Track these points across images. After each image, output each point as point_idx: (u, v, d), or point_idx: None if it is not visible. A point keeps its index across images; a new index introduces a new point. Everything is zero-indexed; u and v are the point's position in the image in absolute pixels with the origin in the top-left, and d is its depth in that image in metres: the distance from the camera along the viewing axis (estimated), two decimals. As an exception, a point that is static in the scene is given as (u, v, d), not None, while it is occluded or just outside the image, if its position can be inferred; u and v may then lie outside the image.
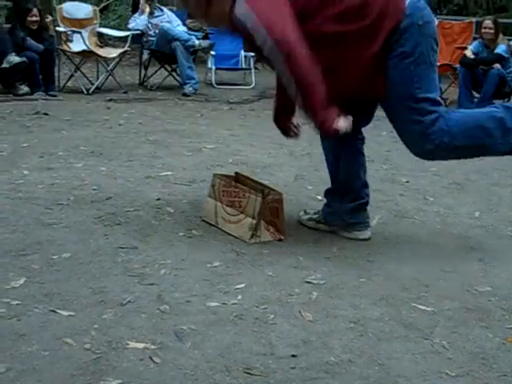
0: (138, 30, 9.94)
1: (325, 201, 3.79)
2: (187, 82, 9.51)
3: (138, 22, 9.98)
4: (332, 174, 3.76)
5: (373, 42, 3.20)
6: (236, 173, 3.85)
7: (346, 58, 3.23)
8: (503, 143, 3.46)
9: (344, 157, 3.67)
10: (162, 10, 10.28)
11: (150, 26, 9.94)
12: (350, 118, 3.19)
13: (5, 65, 8.37)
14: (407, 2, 3.22)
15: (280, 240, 3.50)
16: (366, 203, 3.70)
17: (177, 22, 10.17)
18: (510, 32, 13.04)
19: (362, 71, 3.27)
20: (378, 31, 3.19)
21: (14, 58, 8.43)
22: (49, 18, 9.14)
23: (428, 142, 3.36)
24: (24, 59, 8.52)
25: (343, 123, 3.14)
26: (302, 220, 3.79)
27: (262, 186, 3.66)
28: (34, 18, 8.98)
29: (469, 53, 8.81)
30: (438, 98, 3.44)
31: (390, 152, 5.92)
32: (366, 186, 3.71)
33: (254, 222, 3.44)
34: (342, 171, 3.67)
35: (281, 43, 3.04)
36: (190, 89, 9.46)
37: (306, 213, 3.80)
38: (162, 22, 9.91)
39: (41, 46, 8.77)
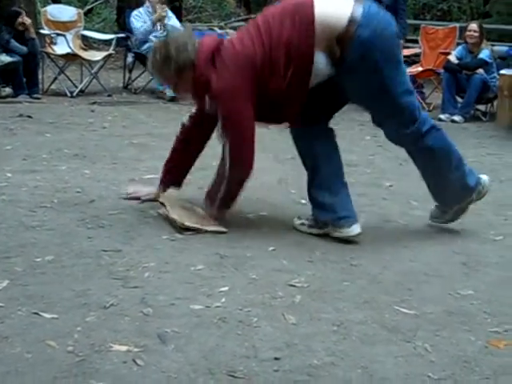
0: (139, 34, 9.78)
1: (309, 204, 3.79)
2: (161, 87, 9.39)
3: (142, 30, 9.78)
4: (310, 174, 3.82)
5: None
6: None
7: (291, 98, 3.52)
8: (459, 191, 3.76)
9: (323, 155, 3.75)
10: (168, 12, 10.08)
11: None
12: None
13: None
14: (360, 13, 3.34)
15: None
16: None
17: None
18: (493, 37, 13.12)
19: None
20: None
21: (6, 58, 8.39)
22: (28, 21, 9.07)
23: (406, 127, 3.57)
24: (15, 59, 8.48)
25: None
26: (295, 225, 3.79)
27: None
28: (20, 21, 8.94)
29: (452, 58, 8.86)
30: (411, 90, 3.72)
31: (373, 156, 5.94)
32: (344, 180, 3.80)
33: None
34: (324, 169, 3.73)
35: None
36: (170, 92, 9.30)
37: (299, 218, 3.81)
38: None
39: (24, 49, 8.74)
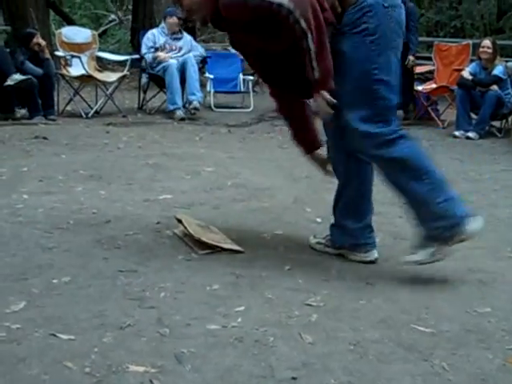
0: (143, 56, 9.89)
1: (332, 220, 3.77)
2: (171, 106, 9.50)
3: (149, 57, 9.87)
4: (340, 188, 3.71)
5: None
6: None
7: None
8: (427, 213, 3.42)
9: (356, 173, 3.62)
10: (181, 33, 10.18)
11: (163, 45, 9.86)
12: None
13: (9, 82, 8.31)
14: None
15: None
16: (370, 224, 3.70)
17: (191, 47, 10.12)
18: (507, 53, 13.12)
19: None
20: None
21: (20, 76, 8.43)
22: (43, 42, 9.14)
23: (374, 124, 3.35)
24: (30, 76, 8.52)
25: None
26: (310, 244, 3.77)
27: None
28: (36, 41, 9.02)
29: (466, 74, 8.85)
30: (393, 85, 3.44)
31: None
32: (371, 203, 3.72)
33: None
34: (353, 189, 3.64)
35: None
36: (179, 112, 9.41)
37: (314, 237, 3.80)
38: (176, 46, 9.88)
39: (39, 70, 8.78)
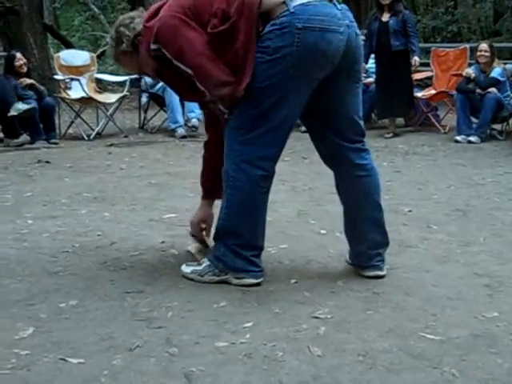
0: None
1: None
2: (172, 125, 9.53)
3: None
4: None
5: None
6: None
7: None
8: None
9: (349, 189, 3.54)
10: None
11: None
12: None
13: (13, 113, 8.32)
14: (296, 3, 3.09)
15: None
16: (386, 244, 3.58)
17: None
18: (505, 56, 13.14)
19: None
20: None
21: (23, 106, 8.45)
22: (28, 81, 9.11)
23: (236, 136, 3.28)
24: (33, 105, 8.55)
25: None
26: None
27: None
28: (20, 62, 9.02)
29: (469, 72, 8.81)
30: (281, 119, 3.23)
31: (391, 182, 5.93)
32: (380, 224, 3.55)
33: None
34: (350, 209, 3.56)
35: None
36: (180, 130, 9.42)
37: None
38: None
39: (31, 93, 8.80)
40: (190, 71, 3.20)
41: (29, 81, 9.00)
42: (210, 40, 3.17)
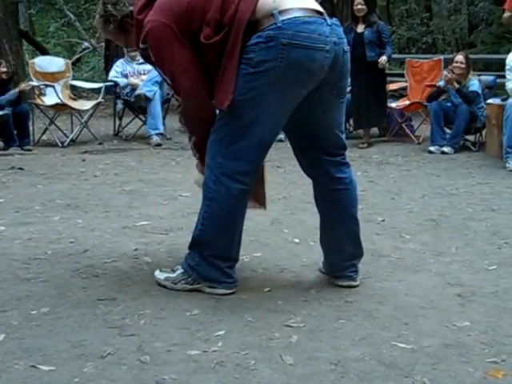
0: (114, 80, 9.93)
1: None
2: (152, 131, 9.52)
3: (125, 81, 9.90)
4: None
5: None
6: None
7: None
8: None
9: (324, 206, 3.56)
10: None
11: (131, 72, 9.91)
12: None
13: None
14: (284, 18, 3.05)
15: (261, 209, 3.62)
16: (361, 256, 3.60)
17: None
18: (479, 68, 13.25)
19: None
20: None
21: None
22: (28, 86, 9.15)
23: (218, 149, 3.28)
24: (6, 112, 8.51)
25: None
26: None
27: None
28: (3, 69, 9.03)
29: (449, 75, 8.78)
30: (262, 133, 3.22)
31: (365, 192, 5.95)
32: (356, 237, 3.57)
33: None
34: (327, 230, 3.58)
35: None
36: (156, 138, 9.39)
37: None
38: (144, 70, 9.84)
39: (3, 99, 8.77)
40: (169, 81, 3.28)
41: (25, 86, 9.03)
42: (204, 50, 3.15)
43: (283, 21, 3.06)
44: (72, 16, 20.75)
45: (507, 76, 7.70)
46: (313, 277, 3.66)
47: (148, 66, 9.82)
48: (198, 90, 3.22)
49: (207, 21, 3.13)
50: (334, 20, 3.23)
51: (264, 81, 3.09)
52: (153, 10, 3.20)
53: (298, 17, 3.09)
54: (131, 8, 3.38)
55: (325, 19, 3.17)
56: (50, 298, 3.29)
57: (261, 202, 3.57)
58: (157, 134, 9.40)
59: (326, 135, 3.37)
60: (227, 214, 3.31)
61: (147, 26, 3.17)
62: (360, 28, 8.92)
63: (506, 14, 7.27)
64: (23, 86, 9.12)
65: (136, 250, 4.10)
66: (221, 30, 3.11)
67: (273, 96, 3.12)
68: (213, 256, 3.34)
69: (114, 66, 10.10)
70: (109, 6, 3.44)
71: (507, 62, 7.72)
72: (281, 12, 3.08)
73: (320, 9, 3.22)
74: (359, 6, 8.88)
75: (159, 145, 9.19)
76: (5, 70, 9.16)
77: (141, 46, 3.26)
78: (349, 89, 9.37)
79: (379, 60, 8.86)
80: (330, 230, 3.55)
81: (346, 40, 3.28)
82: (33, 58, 12.88)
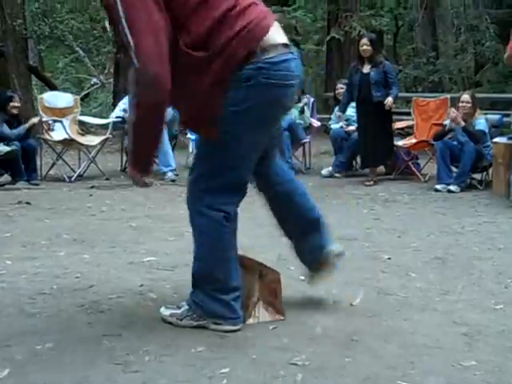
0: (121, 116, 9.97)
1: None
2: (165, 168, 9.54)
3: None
4: None
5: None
6: None
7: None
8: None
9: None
10: None
11: None
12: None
13: None
14: (265, 56, 3.10)
15: (281, 320, 3.52)
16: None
17: None
18: (485, 106, 13.28)
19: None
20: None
21: (4, 147, 8.47)
22: (38, 121, 9.27)
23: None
24: (15, 147, 8.57)
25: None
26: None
27: (259, 264, 3.67)
28: (16, 104, 9.13)
29: (456, 117, 8.77)
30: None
31: (371, 229, 5.96)
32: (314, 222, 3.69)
33: (253, 301, 3.48)
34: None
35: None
36: (170, 174, 9.47)
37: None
38: None
39: (16, 132, 8.83)
40: (130, 44, 2.98)
41: (35, 121, 9.13)
42: (180, 55, 3.08)
43: (264, 59, 3.11)
44: (81, 52, 20.94)
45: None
46: (318, 315, 3.64)
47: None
48: (161, 58, 3.00)
49: (189, 28, 3.07)
50: (296, 52, 3.30)
51: (242, 119, 3.15)
52: None
53: (278, 55, 3.15)
54: None
55: (292, 53, 3.25)
56: (55, 333, 3.29)
57: (279, 311, 3.59)
58: (170, 171, 9.46)
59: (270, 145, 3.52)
60: (217, 243, 3.35)
61: None
62: (366, 68, 8.97)
63: (507, 55, 7.32)
64: (33, 120, 9.20)
65: (142, 285, 4.10)
66: (204, 49, 3.08)
67: (250, 132, 3.20)
68: (215, 290, 3.35)
69: (120, 103, 10.19)
70: None
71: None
72: (262, 50, 3.12)
73: (287, 41, 3.27)
74: (365, 47, 8.94)
75: (173, 180, 9.23)
76: (18, 105, 9.24)
77: None
78: (355, 127, 9.48)
79: (385, 102, 8.88)
80: (293, 233, 3.75)
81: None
82: (41, 93, 12.97)
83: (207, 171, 3.29)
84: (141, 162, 3.28)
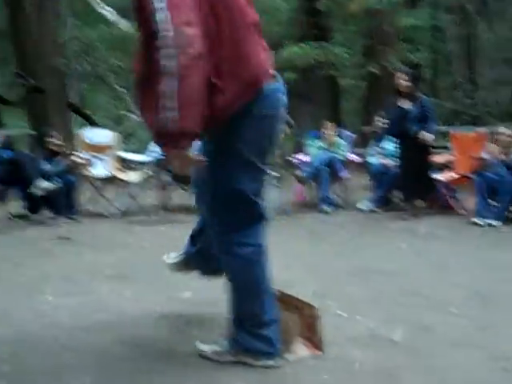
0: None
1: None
2: None
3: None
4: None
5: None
6: None
7: None
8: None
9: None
10: None
11: None
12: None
13: (36, 191, 8.42)
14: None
15: (319, 355, 3.52)
16: None
17: None
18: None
19: None
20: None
21: (48, 184, 8.55)
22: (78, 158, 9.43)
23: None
24: (57, 185, 8.66)
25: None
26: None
27: (296, 299, 3.67)
28: (56, 142, 9.24)
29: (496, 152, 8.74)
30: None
31: (411, 264, 5.91)
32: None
33: (291, 336, 3.50)
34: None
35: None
36: None
37: None
38: None
39: (55, 168, 8.95)
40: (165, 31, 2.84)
41: (76, 158, 9.27)
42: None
43: (259, 92, 3.14)
44: (120, 89, 21.18)
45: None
46: (357, 350, 3.63)
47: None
48: (199, 43, 2.89)
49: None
50: (281, 82, 3.31)
51: (240, 154, 3.21)
52: None
53: (273, 87, 3.21)
54: None
55: (280, 82, 3.29)
56: (92, 369, 3.32)
57: (318, 346, 3.60)
58: None
59: None
60: (249, 277, 3.39)
61: None
62: (403, 103, 8.96)
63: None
64: (74, 157, 9.31)
65: (180, 321, 4.11)
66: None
67: (246, 168, 3.27)
68: (253, 325, 3.37)
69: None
70: None
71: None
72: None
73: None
74: (402, 82, 8.93)
75: None
76: (59, 142, 9.34)
77: None
78: (394, 161, 9.45)
79: (424, 137, 8.85)
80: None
81: None
82: (81, 129, 13.13)
83: (213, 216, 3.41)
84: (188, 117, 2.92)
